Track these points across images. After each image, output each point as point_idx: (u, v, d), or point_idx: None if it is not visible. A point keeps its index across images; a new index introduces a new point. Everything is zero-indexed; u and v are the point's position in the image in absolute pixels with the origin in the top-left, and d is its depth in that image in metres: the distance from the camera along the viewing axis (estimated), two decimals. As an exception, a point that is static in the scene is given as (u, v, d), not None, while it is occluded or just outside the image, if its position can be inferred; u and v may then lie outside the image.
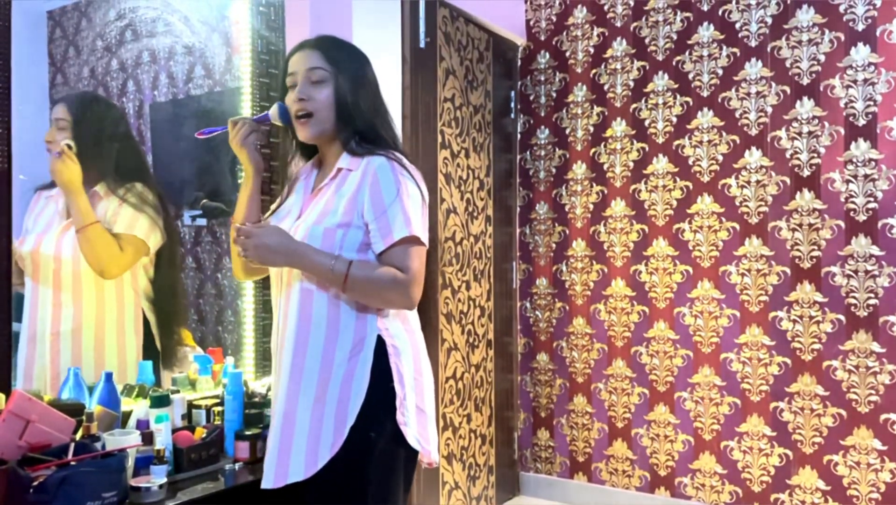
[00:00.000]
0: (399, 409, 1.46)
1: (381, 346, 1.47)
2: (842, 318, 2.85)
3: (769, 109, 3.01)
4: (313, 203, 1.54)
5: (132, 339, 2.02)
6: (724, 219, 3.09)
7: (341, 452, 1.43)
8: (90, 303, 1.95)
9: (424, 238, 1.49)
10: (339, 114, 1.52)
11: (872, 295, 2.80)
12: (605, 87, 3.40)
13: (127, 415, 1.74)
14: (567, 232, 3.50)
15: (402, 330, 1.53)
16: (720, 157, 3.11)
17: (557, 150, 3.53)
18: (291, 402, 1.47)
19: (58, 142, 1.93)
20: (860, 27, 2.83)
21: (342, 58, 1.54)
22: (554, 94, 3.54)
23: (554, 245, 3.54)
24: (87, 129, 1.97)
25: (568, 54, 3.51)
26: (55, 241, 1.92)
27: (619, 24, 3.37)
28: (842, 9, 2.87)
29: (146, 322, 2.05)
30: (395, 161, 1.50)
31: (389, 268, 1.45)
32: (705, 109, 3.14)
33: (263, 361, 2.28)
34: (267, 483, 1.46)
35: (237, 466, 1.76)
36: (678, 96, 3.20)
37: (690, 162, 3.18)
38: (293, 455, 1.45)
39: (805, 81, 2.94)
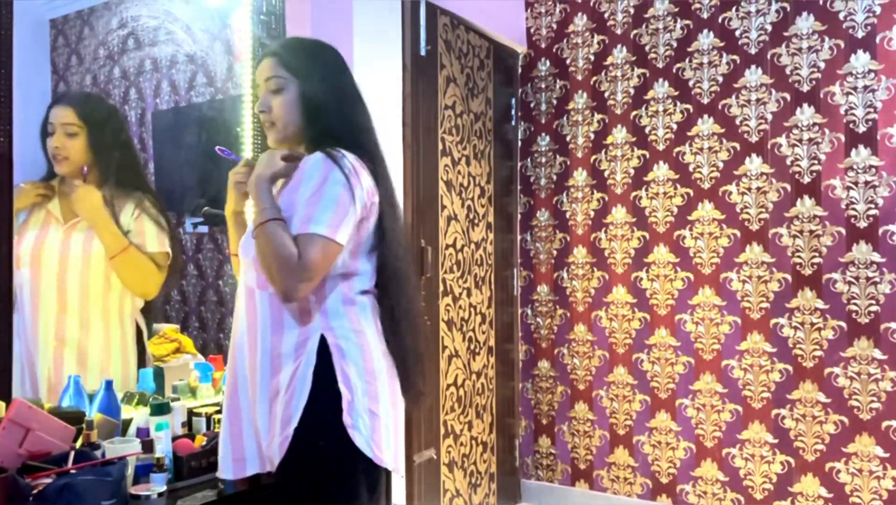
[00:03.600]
0: (346, 411, 1.41)
1: (325, 346, 1.44)
2: (843, 325, 2.85)
3: (769, 116, 3.01)
4: None
5: (131, 343, 2.01)
6: (724, 226, 3.10)
7: (288, 455, 1.42)
8: (97, 308, 1.93)
9: (333, 235, 1.40)
10: (300, 118, 1.52)
11: (873, 302, 2.80)
12: (606, 95, 3.40)
13: (127, 423, 1.74)
14: (568, 239, 3.50)
15: (348, 330, 1.46)
16: (721, 164, 3.11)
17: (558, 157, 3.53)
18: (246, 400, 1.48)
19: (66, 147, 1.89)
20: (860, 34, 2.84)
21: (299, 61, 1.53)
22: (554, 102, 3.55)
23: (555, 252, 3.54)
24: (99, 134, 1.94)
25: (568, 62, 3.52)
26: (59, 246, 1.89)
27: (619, 32, 3.37)
28: (841, 16, 2.87)
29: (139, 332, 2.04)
30: (331, 157, 1.44)
31: (295, 247, 1.39)
32: (705, 116, 3.14)
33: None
34: (227, 474, 1.51)
35: (237, 473, 1.75)
36: (678, 103, 3.21)
37: (691, 169, 3.18)
38: (247, 451, 1.48)
39: (805, 88, 2.94)
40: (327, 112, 1.52)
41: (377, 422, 1.45)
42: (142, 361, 2.02)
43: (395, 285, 1.54)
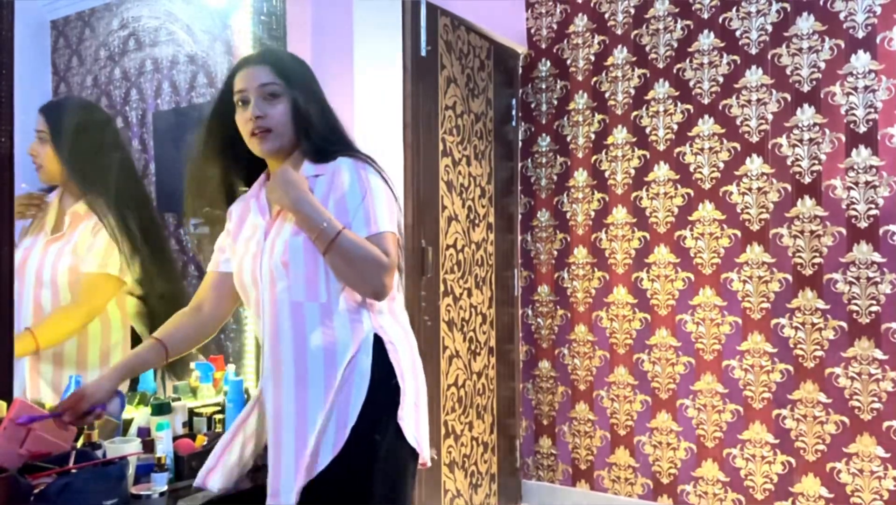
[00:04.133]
0: (400, 405, 1.48)
1: (378, 343, 1.48)
2: (844, 325, 2.85)
3: (770, 117, 3.01)
4: (282, 218, 1.51)
5: (118, 360, 1.96)
6: (725, 226, 3.10)
7: (343, 452, 1.41)
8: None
9: (395, 230, 1.50)
10: (296, 127, 1.52)
11: (874, 302, 2.79)
12: (606, 95, 3.41)
13: (128, 423, 1.74)
14: (568, 239, 3.50)
15: (395, 326, 1.53)
16: (721, 165, 3.11)
17: (558, 157, 3.53)
18: (301, 419, 1.44)
19: (39, 154, 1.84)
20: (860, 34, 2.84)
21: (291, 71, 1.54)
22: (555, 102, 3.55)
23: (555, 252, 3.54)
24: (67, 140, 1.87)
25: (569, 62, 3.52)
26: (39, 259, 1.86)
27: (619, 32, 3.38)
28: (842, 16, 2.87)
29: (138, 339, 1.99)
30: (360, 160, 1.52)
31: (375, 247, 1.44)
32: (706, 117, 3.15)
33: (265, 369, 2.28)
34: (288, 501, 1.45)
35: (238, 473, 1.76)
36: (679, 104, 3.21)
37: (691, 169, 3.18)
38: (298, 469, 1.43)
39: (805, 89, 2.94)
40: (320, 123, 1.54)
41: (419, 415, 1.53)
42: None
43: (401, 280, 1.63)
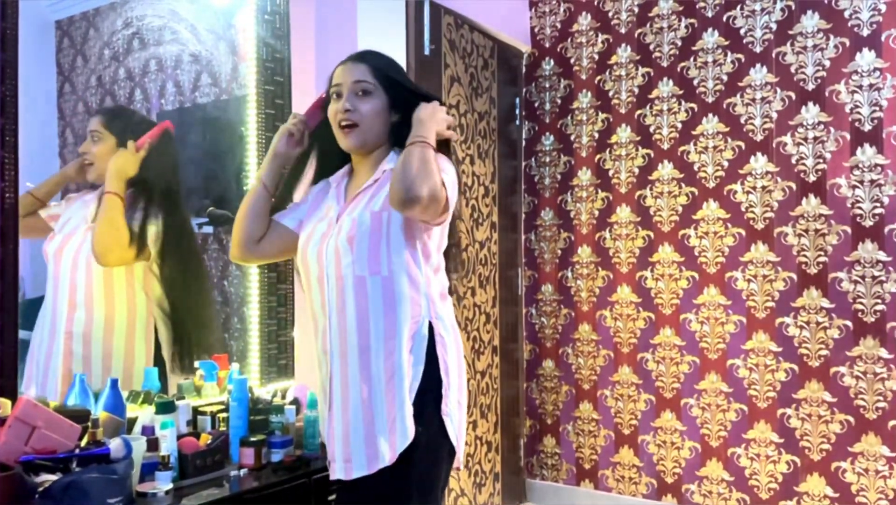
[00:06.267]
0: (444, 399, 1.51)
1: (430, 333, 1.53)
2: (849, 324, 2.84)
3: (774, 115, 3.00)
4: (355, 202, 1.59)
5: (141, 345, 2.02)
6: (729, 225, 3.09)
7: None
8: (100, 306, 1.95)
9: (451, 197, 1.54)
10: (382, 126, 1.61)
11: (879, 301, 2.79)
12: (610, 94, 3.40)
13: (132, 421, 1.74)
14: (572, 238, 3.49)
15: (448, 322, 1.58)
16: (725, 163, 3.10)
17: (562, 156, 3.53)
18: (365, 388, 1.50)
19: (92, 153, 1.99)
20: (865, 32, 2.83)
21: (386, 71, 1.63)
22: (559, 101, 3.55)
23: (559, 251, 3.53)
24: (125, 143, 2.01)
25: (573, 61, 3.51)
26: (78, 244, 1.93)
27: (623, 31, 3.37)
28: (847, 14, 2.86)
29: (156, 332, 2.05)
30: (441, 151, 1.60)
31: None
32: (710, 115, 3.14)
33: (268, 368, 2.29)
34: (360, 470, 1.49)
35: (242, 472, 1.76)
36: (683, 102, 3.21)
37: (696, 168, 3.17)
38: (379, 442, 1.48)
39: (810, 87, 2.93)
40: (407, 125, 1.59)
41: (462, 414, 1.57)
42: (158, 362, 2.03)
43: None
